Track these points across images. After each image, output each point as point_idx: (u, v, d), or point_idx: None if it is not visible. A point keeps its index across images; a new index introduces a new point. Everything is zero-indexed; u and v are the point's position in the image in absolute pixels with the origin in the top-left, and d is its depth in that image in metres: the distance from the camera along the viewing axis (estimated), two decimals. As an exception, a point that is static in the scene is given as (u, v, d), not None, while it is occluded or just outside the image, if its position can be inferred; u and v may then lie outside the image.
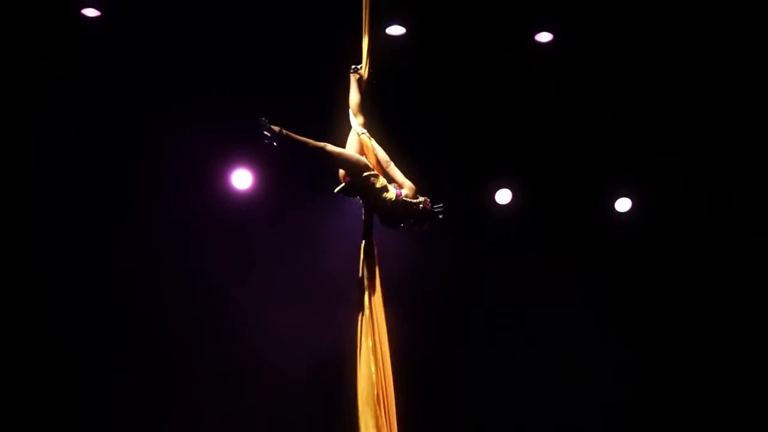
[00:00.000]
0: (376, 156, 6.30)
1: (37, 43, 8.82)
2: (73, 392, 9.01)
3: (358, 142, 6.34)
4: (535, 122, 9.59)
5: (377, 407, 5.85)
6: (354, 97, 6.43)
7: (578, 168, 9.77)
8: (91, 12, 8.80)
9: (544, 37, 9.34)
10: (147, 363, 9.16)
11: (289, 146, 5.91)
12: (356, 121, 6.39)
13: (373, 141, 6.34)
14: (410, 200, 6.21)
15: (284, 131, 5.89)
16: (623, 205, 9.89)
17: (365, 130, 6.34)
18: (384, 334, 6.04)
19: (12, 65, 8.86)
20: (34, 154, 9.05)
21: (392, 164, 6.31)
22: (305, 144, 5.99)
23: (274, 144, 5.84)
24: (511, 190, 9.86)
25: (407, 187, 6.24)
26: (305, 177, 8.99)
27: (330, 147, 6.09)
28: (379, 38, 7.18)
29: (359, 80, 6.44)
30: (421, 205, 6.23)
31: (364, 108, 6.42)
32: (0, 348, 8.93)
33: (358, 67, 6.46)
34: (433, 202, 6.29)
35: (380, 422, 5.83)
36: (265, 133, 5.83)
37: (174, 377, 9.17)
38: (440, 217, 6.31)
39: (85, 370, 9.05)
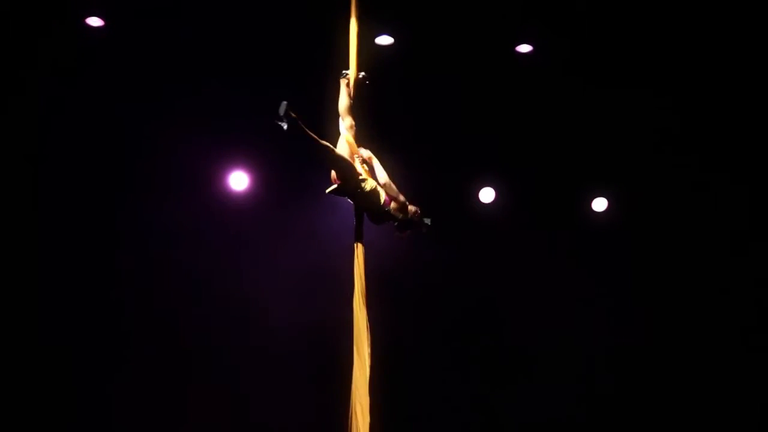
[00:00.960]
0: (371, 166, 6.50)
1: (35, 45, 8.90)
2: (76, 390, 9.21)
3: (348, 148, 6.52)
4: (518, 124, 9.71)
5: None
6: (343, 101, 6.63)
7: (560, 167, 9.86)
8: (95, 21, 8.91)
9: (524, 48, 9.50)
10: (150, 356, 9.33)
11: (299, 135, 6.08)
12: (345, 124, 6.58)
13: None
14: (395, 213, 6.40)
15: (299, 121, 6.06)
16: (600, 204, 10.02)
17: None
18: (365, 322, 6.25)
19: (10, 66, 8.94)
20: (34, 157, 9.17)
21: (389, 182, 6.44)
22: (313, 139, 6.16)
23: (285, 128, 6.00)
24: (495, 189, 9.98)
25: (399, 202, 6.40)
26: (298, 178, 9.20)
27: (335, 150, 6.31)
28: (367, 45, 7.24)
29: (348, 85, 6.63)
30: (409, 215, 6.41)
31: (352, 112, 6.62)
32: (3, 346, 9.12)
33: (347, 72, 6.65)
34: (422, 214, 6.44)
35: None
36: (282, 115, 5.98)
37: (178, 371, 9.36)
38: (424, 231, 6.47)
39: (88, 366, 9.23)
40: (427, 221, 6.46)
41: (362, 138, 6.71)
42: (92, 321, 9.30)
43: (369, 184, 6.40)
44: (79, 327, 9.26)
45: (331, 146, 6.32)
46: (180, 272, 9.41)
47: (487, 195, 10.02)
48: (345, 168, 6.37)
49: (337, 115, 6.70)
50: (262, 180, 9.63)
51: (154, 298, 9.41)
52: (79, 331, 9.25)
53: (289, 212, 9.55)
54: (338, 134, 6.63)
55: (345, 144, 6.57)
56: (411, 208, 6.45)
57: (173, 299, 9.43)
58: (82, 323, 9.28)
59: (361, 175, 6.42)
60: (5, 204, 9.16)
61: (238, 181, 9.58)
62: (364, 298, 6.27)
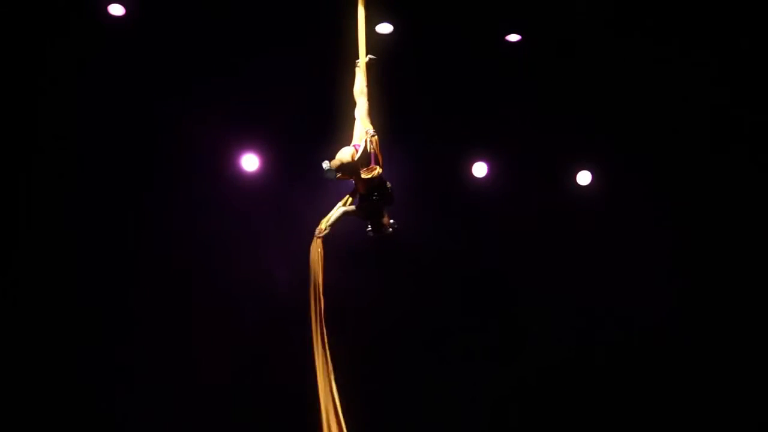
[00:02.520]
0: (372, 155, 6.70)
1: (50, 33, 9.15)
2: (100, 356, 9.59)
3: (361, 129, 6.79)
4: (509, 99, 9.95)
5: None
6: (356, 85, 6.97)
7: (549, 143, 10.10)
8: (116, 10, 9.16)
9: (513, 37, 9.90)
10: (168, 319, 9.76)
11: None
12: (359, 107, 6.86)
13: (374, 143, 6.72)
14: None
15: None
16: (584, 178, 10.21)
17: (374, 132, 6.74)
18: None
19: (27, 56, 9.12)
20: (52, 143, 9.45)
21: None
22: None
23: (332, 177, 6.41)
24: (488, 164, 10.17)
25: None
26: (305, 160, 9.37)
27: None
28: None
29: (360, 70, 6.96)
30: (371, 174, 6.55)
31: (366, 95, 6.89)
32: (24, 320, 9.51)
33: (357, 61, 7.00)
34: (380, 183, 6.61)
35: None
36: (327, 174, 6.38)
37: (193, 344, 9.80)
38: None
39: (113, 333, 9.59)
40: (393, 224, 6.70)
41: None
42: (117, 291, 9.73)
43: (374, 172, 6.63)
44: (104, 297, 9.68)
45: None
46: (198, 245, 9.83)
47: (480, 169, 10.31)
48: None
49: (350, 100, 6.99)
50: (272, 161, 10.01)
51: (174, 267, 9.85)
52: (104, 300, 9.66)
53: (298, 190, 9.82)
54: (353, 119, 6.91)
55: (360, 126, 6.85)
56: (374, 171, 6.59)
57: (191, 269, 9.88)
58: (107, 295, 9.69)
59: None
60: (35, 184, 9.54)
61: (250, 162, 10.00)
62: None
